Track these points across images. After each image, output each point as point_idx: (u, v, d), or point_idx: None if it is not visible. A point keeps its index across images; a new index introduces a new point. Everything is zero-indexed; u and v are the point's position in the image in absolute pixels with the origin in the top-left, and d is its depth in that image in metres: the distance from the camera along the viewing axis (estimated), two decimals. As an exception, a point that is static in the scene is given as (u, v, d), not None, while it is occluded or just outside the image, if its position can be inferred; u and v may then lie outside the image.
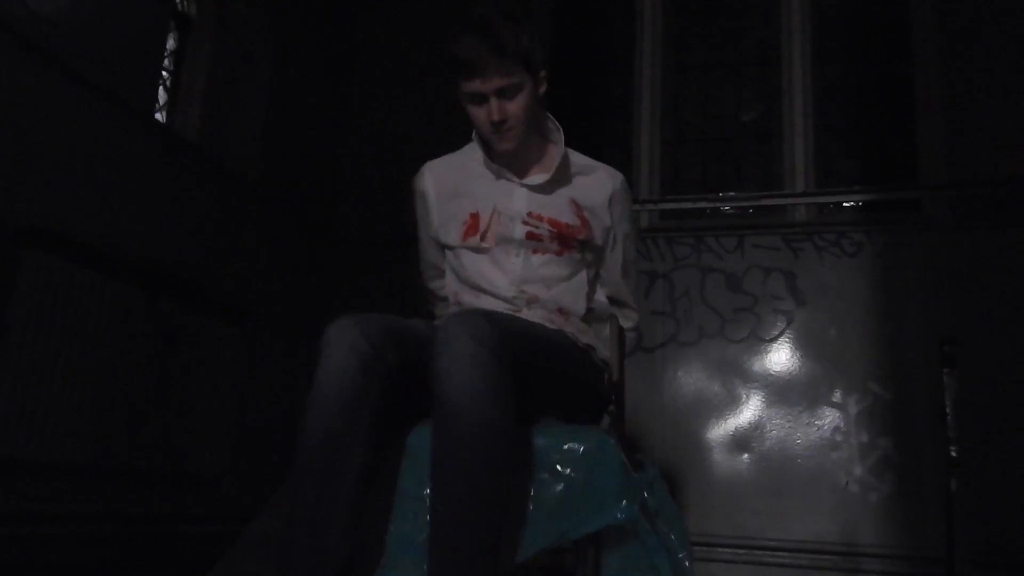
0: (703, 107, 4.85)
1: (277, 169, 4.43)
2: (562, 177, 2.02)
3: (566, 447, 1.62)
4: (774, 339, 4.12)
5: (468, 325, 1.50)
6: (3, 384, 2.73)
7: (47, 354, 2.88)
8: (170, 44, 3.97)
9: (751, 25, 4.85)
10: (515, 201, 1.98)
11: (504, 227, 1.96)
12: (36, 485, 2.91)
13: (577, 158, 2.08)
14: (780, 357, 4.10)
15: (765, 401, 4.06)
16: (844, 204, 4.42)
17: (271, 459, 4.05)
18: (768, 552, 3.85)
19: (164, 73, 3.92)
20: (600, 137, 4.75)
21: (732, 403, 4.09)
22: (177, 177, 3.68)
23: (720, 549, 3.90)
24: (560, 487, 1.59)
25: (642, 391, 4.10)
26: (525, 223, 1.96)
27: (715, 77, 4.87)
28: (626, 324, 2.13)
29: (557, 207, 1.99)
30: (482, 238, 1.96)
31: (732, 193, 4.52)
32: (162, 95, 3.92)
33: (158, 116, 3.85)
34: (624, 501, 1.53)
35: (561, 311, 1.94)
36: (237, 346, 3.86)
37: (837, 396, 3.97)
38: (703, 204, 4.48)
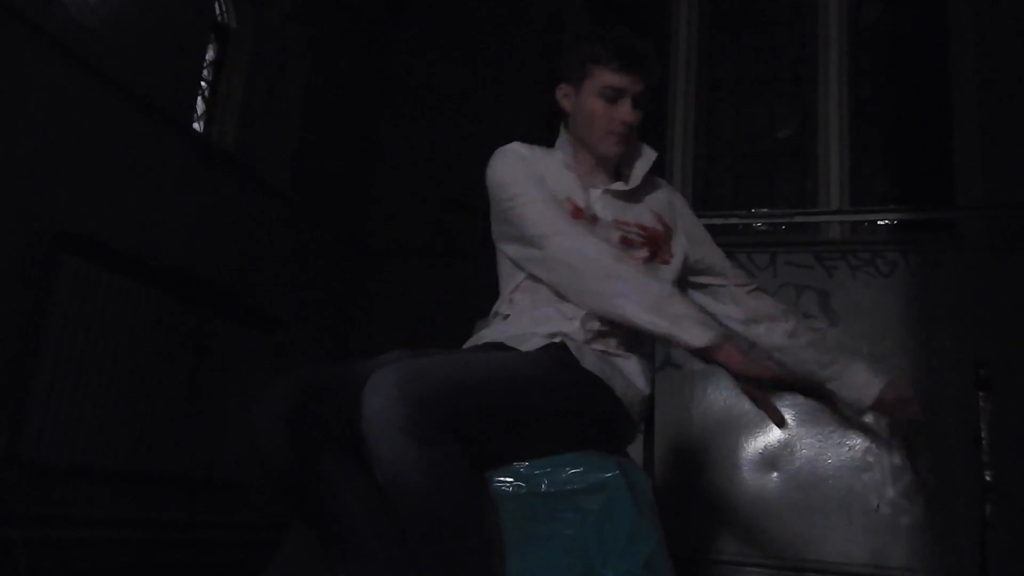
0: (736, 123, 4.84)
1: (309, 179, 4.46)
2: (643, 188, 1.93)
3: (583, 480, 1.57)
4: (806, 358, 4.07)
5: (380, 385, 1.36)
6: (39, 388, 2.77)
7: (82, 359, 2.92)
8: (209, 55, 4.03)
9: (786, 42, 4.83)
10: (601, 208, 1.86)
11: (603, 231, 1.82)
12: (69, 489, 2.95)
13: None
14: (812, 376, 4.05)
15: (796, 420, 4.02)
16: (879, 223, 4.38)
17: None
18: (796, 572, 3.80)
19: (203, 84, 3.97)
20: (633, 152, 4.74)
21: (762, 422, 4.04)
22: (212, 186, 3.72)
23: (748, 568, 3.86)
24: (573, 525, 1.55)
25: (671, 408, 4.07)
26: (618, 227, 1.85)
27: (749, 93, 4.85)
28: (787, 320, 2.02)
29: (641, 212, 1.90)
30: (591, 233, 1.79)
31: (765, 209, 4.49)
32: (200, 105, 3.97)
33: (196, 126, 3.90)
34: (630, 556, 1.50)
35: (611, 325, 1.76)
36: (267, 354, 3.89)
37: (869, 417, 3.92)
38: (735, 220, 4.46)
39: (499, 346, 1.77)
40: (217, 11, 4.07)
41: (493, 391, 1.51)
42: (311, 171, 4.47)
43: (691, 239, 1.98)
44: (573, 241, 1.73)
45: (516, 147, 1.93)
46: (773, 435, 4.01)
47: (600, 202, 1.87)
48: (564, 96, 1.88)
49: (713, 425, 4.10)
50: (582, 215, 1.83)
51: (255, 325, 3.83)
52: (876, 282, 4.08)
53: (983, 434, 2.85)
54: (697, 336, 1.61)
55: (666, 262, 1.90)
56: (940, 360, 3.87)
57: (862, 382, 1.96)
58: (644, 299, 1.65)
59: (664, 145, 4.68)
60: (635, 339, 1.79)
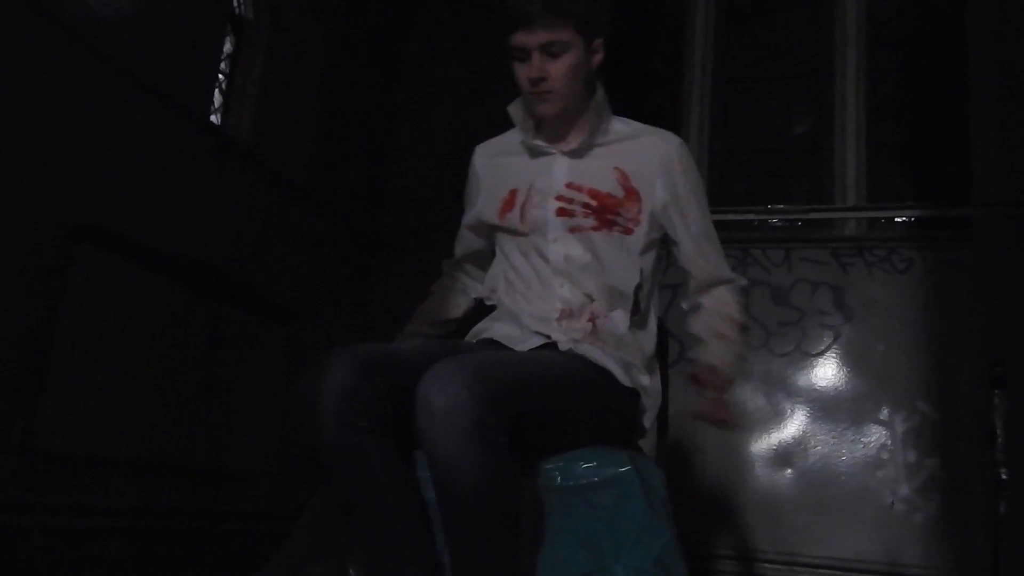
0: (752, 119, 4.82)
1: (325, 172, 4.47)
2: (602, 140, 1.87)
3: (595, 475, 1.58)
4: (820, 354, 4.07)
5: (447, 384, 1.39)
6: (55, 377, 2.79)
7: (98, 349, 2.94)
8: (226, 47, 4.04)
9: (803, 37, 4.81)
10: (554, 173, 1.85)
11: (537, 208, 1.83)
12: (84, 478, 2.97)
13: (625, 124, 1.91)
14: (826, 372, 4.04)
15: (809, 416, 4.01)
16: (896, 220, 4.36)
17: (313, 459, 4.08)
18: (808, 568, 3.80)
19: (220, 76, 3.98)
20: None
21: (776, 417, 4.04)
22: (228, 179, 3.73)
23: (759, 564, 3.86)
24: (585, 520, 1.56)
25: (684, 403, 4.06)
26: (558, 198, 1.82)
27: (765, 89, 4.83)
28: (727, 311, 1.89)
29: (599, 175, 1.84)
30: (521, 219, 1.84)
31: (781, 206, 4.48)
32: (217, 97, 3.98)
33: (213, 118, 3.91)
34: (641, 552, 1.51)
35: (595, 321, 1.78)
36: (281, 346, 3.91)
37: (884, 414, 3.91)
38: (750, 216, 4.44)
39: (496, 343, 1.80)
40: (234, 3, 4.08)
41: (548, 393, 1.56)
42: (327, 163, 4.49)
43: (673, 202, 1.86)
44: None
45: (476, 153, 2.05)
46: (787, 431, 4.01)
47: (557, 166, 1.86)
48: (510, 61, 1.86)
49: (726, 421, 4.08)
50: (512, 205, 1.86)
51: (270, 317, 3.85)
52: (892, 279, 4.06)
53: (998, 432, 2.84)
54: None
55: (628, 231, 1.82)
56: (955, 357, 3.85)
57: (702, 357, 1.86)
58: None
59: (679, 140, 4.65)
60: (618, 340, 1.80)
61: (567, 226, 1.81)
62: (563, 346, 1.74)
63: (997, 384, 2.88)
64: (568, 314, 1.79)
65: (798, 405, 4.04)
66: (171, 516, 3.34)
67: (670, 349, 2.10)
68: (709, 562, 3.85)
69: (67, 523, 2.86)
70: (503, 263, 1.93)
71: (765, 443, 4.02)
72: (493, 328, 1.85)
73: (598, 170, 1.84)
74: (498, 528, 1.43)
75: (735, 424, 1.76)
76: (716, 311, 1.90)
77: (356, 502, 1.52)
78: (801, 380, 4.06)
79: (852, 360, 4.02)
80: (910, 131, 4.55)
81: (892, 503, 3.79)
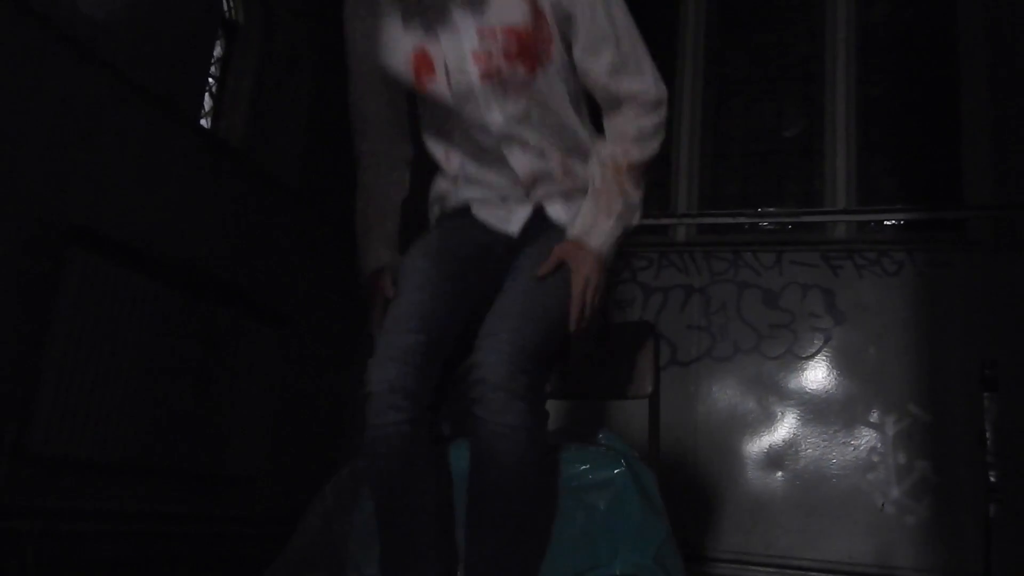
0: (744, 121, 4.83)
1: (318, 175, 4.47)
2: None
3: (590, 477, 1.61)
4: (811, 357, 4.08)
5: (504, 368, 1.41)
6: (47, 381, 2.78)
7: (90, 353, 2.93)
8: (217, 51, 4.04)
9: (795, 40, 4.82)
10: (458, 24, 1.62)
11: (458, 73, 1.63)
12: (77, 482, 2.96)
13: None
14: (817, 375, 4.06)
15: (800, 419, 4.02)
16: (886, 222, 4.37)
17: (308, 462, 4.08)
18: (800, 571, 3.81)
19: (210, 80, 3.98)
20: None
21: (767, 420, 4.05)
22: (220, 182, 3.73)
23: (751, 567, 3.86)
24: (580, 521, 1.58)
25: (676, 405, 4.08)
26: (476, 56, 1.61)
27: (757, 91, 4.84)
28: (612, 154, 1.65)
29: (506, 5, 1.60)
30: (449, 90, 1.64)
31: (771, 209, 4.49)
32: (207, 101, 3.98)
33: (203, 122, 3.91)
34: (639, 550, 1.52)
35: (565, 169, 1.70)
36: (275, 349, 3.90)
37: (874, 416, 3.93)
38: (742, 219, 4.45)
39: (477, 224, 1.79)
40: (225, 7, 4.08)
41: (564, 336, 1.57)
42: (320, 167, 4.48)
43: (573, 23, 1.64)
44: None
45: (347, 3, 1.81)
46: (777, 434, 4.02)
47: (457, 13, 1.61)
48: None
49: (718, 423, 4.10)
50: (431, 71, 1.65)
51: (263, 320, 3.84)
52: (882, 282, 4.07)
53: (988, 434, 2.86)
54: None
55: (549, 56, 1.63)
56: (945, 360, 3.87)
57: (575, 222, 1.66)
58: None
59: (670, 143, 4.67)
60: (573, 187, 1.73)
61: (499, 86, 1.63)
62: (555, 215, 1.72)
63: (988, 387, 2.90)
64: (535, 179, 1.71)
65: (789, 408, 4.05)
66: (166, 520, 3.33)
67: (661, 352, 2.10)
68: (700, 565, 3.86)
69: (60, 527, 2.85)
70: (439, 131, 1.80)
71: (756, 446, 4.03)
72: (462, 192, 1.82)
73: (504, 1, 1.61)
74: (538, 501, 1.47)
75: (585, 327, 1.55)
76: (604, 156, 1.67)
77: (396, 504, 1.52)
78: (792, 383, 4.07)
79: (843, 363, 4.03)
80: (901, 133, 4.57)
81: (883, 505, 3.81)
